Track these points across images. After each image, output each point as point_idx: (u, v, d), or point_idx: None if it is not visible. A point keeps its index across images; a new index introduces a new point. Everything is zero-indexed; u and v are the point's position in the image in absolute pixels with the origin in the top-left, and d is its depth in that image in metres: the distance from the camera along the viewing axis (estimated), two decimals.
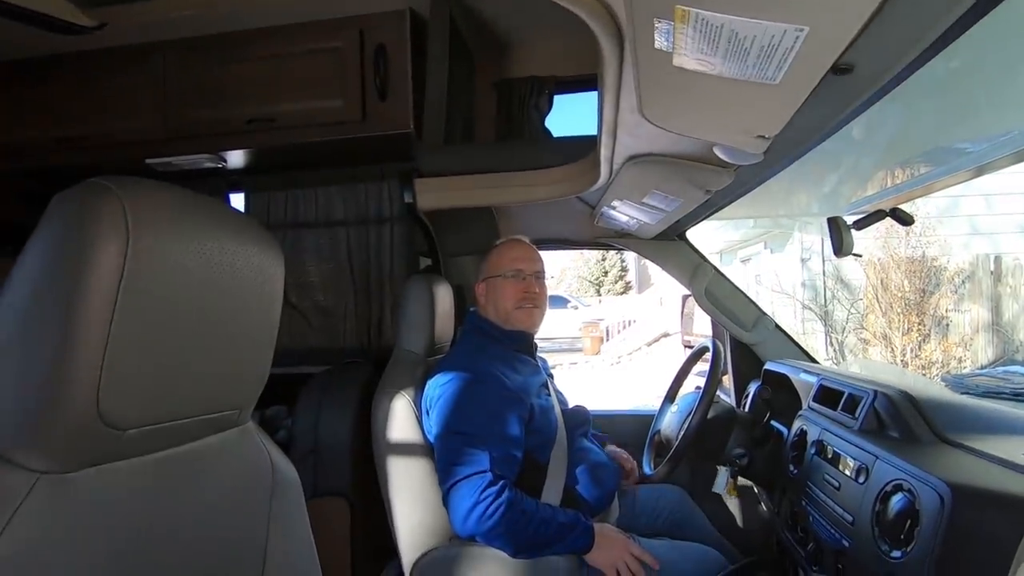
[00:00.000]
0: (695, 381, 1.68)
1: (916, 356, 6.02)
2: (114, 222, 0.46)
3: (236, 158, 1.73)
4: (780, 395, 1.48)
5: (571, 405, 1.55)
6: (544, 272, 1.51)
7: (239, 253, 0.58)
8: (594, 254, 22.88)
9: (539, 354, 1.60)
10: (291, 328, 1.89)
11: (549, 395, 1.42)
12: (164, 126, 1.65)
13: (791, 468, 1.25)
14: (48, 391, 0.45)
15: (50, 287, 0.45)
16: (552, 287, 1.59)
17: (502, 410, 1.26)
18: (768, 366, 1.63)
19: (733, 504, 1.74)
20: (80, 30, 1.47)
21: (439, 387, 1.30)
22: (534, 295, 1.46)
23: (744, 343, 1.81)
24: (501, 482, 1.19)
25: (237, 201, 1.95)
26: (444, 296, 1.61)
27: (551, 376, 1.60)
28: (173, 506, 0.57)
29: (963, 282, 6.07)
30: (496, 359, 1.37)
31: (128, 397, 0.48)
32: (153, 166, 1.70)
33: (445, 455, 1.24)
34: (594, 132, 1.14)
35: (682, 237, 1.85)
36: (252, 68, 1.60)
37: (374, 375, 1.54)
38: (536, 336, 1.54)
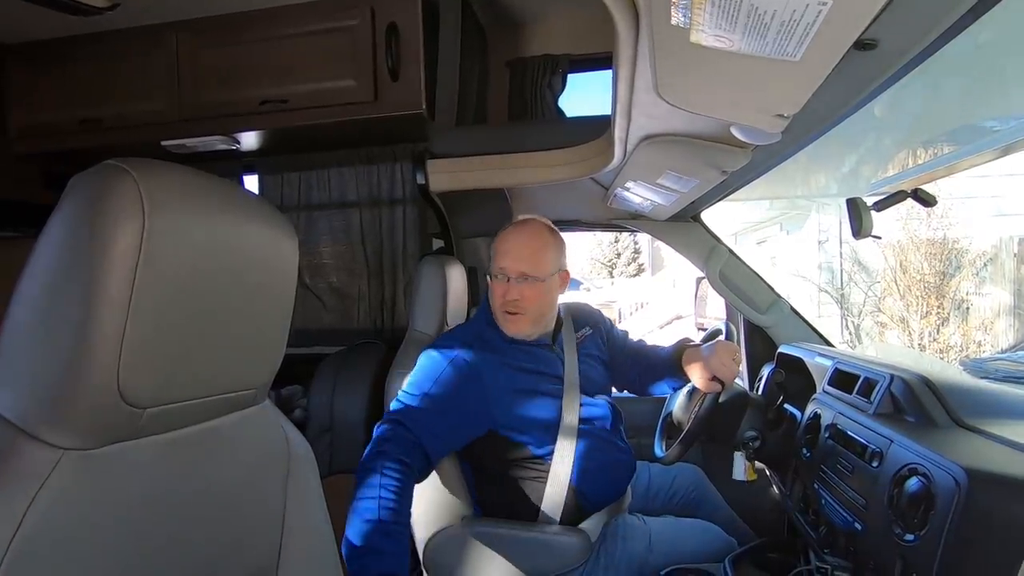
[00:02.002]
0: None
1: (934, 340, 5.93)
2: (130, 204, 0.46)
3: (250, 140, 1.73)
4: (794, 378, 1.47)
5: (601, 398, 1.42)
6: (535, 275, 1.30)
7: (253, 235, 0.58)
8: (607, 236, 22.74)
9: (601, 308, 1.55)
10: (306, 309, 1.91)
11: (559, 386, 1.33)
12: (179, 108, 1.66)
13: (804, 451, 1.25)
14: (70, 370, 0.46)
15: (69, 268, 0.46)
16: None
17: (442, 397, 1.22)
18: (782, 349, 1.61)
19: (747, 486, 1.74)
20: (92, 11, 1.47)
21: None
22: (512, 302, 1.30)
23: (758, 326, 1.80)
24: (385, 445, 1.14)
25: (251, 183, 1.96)
26: (456, 277, 1.61)
27: (594, 355, 1.45)
28: (192, 483, 0.58)
29: (985, 264, 5.94)
30: (484, 344, 1.31)
31: (147, 376, 0.49)
32: (168, 148, 1.71)
33: None
34: (608, 112, 1.13)
35: (696, 219, 1.83)
36: (265, 49, 1.60)
37: (387, 355, 1.56)
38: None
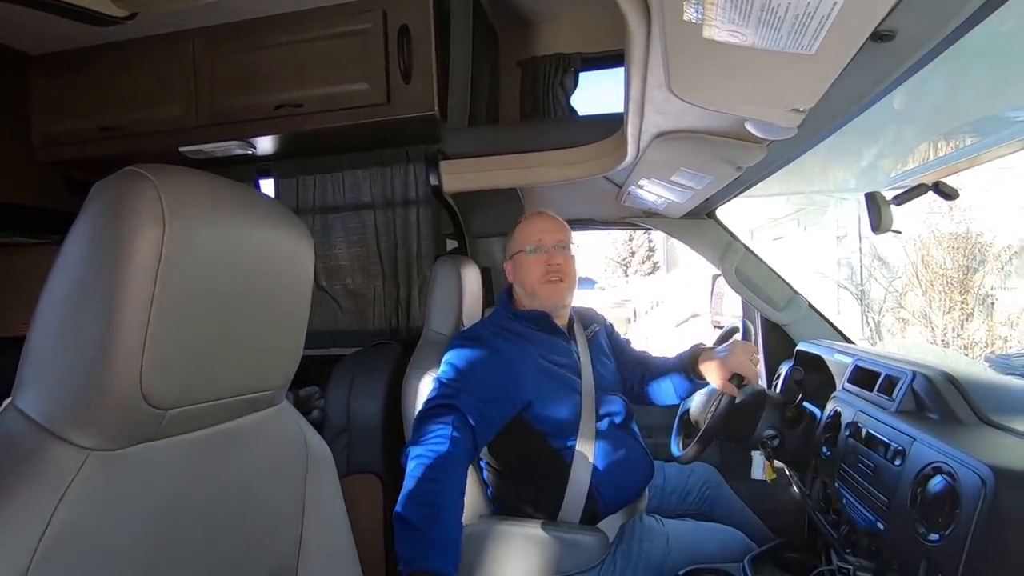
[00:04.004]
0: None
1: (958, 336, 5.81)
2: (150, 209, 0.47)
3: (265, 144, 1.76)
4: (813, 376, 1.45)
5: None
6: (569, 243, 1.44)
7: (270, 238, 0.59)
8: (621, 234, 22.62)
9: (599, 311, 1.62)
10: (322, 311, 1.93)
11: (579, 380, 1.36)
12: (196, 114, 1.69)
13: (824, 450, 1.23)
14: (94, 373, 0.47)
15: (92, 273, 0.47)
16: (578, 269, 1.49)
17: (477, 371, 1.24)
18: (800, 346, 1.59)
19: (764, 485, 1.72)
20: (112, 20, 1.50)
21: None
22: (556, 267, 1.39)
23: (776, 323, 1.78)
24: (434, 425, 1.13)
25: (267, 187, 1.98)
26: (471, 277, 1.61)
27: (606, 352, 1.51)
28: (213, 483, 0.59)
29: (1010, 258, 5.80)
30: (508, 334, 1.34)
31: (169, 378, 0.50)
32: (186, 153, 1.74)
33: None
34: (621, 109, 1.12)
35: (711, 215, 1.81)
36: (279, 54, 1.62)
37: (403, 356, 1.57)
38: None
